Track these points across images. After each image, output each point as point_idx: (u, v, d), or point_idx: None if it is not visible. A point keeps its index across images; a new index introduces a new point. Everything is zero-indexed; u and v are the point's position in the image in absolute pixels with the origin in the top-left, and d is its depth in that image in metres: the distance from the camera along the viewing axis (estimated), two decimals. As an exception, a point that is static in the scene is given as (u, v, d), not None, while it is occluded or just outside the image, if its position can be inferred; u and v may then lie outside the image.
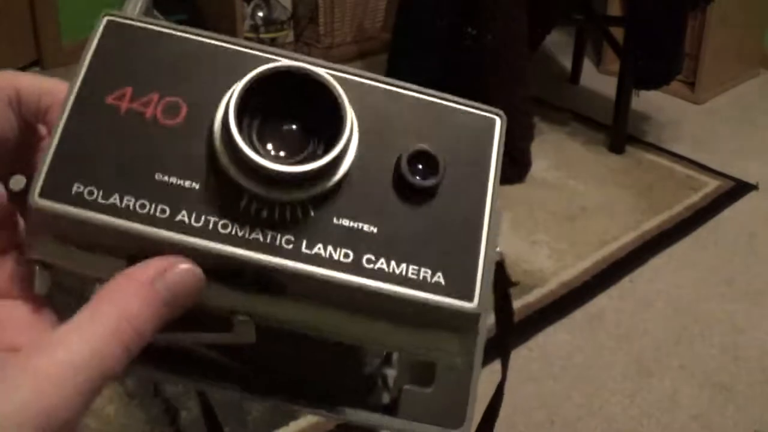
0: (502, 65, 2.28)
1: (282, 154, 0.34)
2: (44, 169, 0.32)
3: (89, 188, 0.32)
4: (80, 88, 0.34)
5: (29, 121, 0.36)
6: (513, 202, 2.26)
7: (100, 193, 0.32)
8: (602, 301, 1.95)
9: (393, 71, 2.53)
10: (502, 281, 0.46)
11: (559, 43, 3.09)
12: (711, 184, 2.42)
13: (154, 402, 1.54)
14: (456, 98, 0.37)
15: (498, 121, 0.37)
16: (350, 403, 0.42)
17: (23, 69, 2.74)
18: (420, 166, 0.34)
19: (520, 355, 1.77)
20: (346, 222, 0.33)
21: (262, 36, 2.93)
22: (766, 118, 2.83)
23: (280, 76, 0.33)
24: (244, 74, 0.33)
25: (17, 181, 0.33)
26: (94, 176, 0.32)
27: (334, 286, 0.33)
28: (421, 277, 0.33)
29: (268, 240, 0.32)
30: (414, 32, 2.41)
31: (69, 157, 0.32)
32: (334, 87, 0.34)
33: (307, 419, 1.53)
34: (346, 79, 0.35)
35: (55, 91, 0.36)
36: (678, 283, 2.02)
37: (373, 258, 0.33)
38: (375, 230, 0.34)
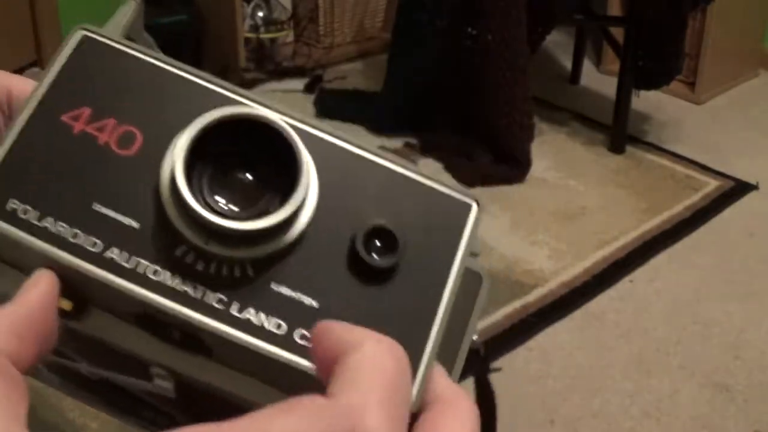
0: (502, 65, 2.28)
1: (232, 206, 0.31)
2: None
3: (24, 207, 0.30)
4: (40, 102, 0.32)
5: None
6: (513, 202, 2.25)
7: (35, 214, 0.30)
8: (602, 301, 1.95)
9: (393, 71, 2.54)
10: (482, 370, 0.43)
11: (559, 43, 3.09)
12: (711, 184, 2.42)
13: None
14: (433, 177, 0.34)
15: (474, 208, 0.33)
16: None
17: (23, 69, 2.73)
18: (378, 243, 0.31)
19: (520, 355, 1.77)
20: (285, 290, 0.30)
21: (262, 36, 2.92)
22: (766, 118, 2.83)
23: (238, 122, 0.31)
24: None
25: None
26: (33, 195, 0.30)
27: (258, 356, 0.30)
28: None
29: (198, 296, 0.30)
30: (414, 32, 2.41)
31: (12, 171, 0.31)
32: (293, 140, 0.30)
33: None
34: (312, 135, 0.32)
35: None
36: (678, 283, 2.02)
37: (307, 334, 0.30)
38: (316, 305, 0.30)
